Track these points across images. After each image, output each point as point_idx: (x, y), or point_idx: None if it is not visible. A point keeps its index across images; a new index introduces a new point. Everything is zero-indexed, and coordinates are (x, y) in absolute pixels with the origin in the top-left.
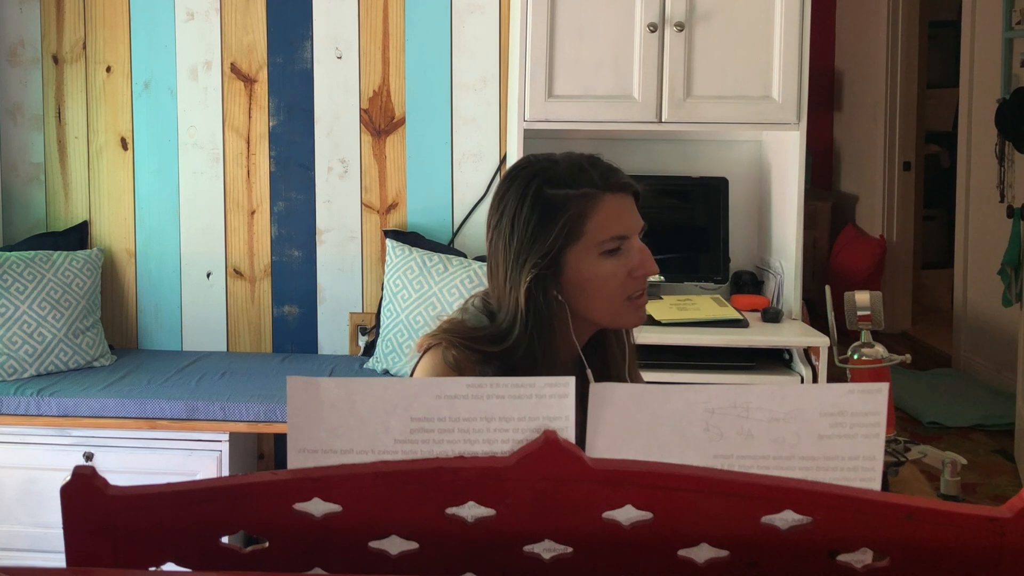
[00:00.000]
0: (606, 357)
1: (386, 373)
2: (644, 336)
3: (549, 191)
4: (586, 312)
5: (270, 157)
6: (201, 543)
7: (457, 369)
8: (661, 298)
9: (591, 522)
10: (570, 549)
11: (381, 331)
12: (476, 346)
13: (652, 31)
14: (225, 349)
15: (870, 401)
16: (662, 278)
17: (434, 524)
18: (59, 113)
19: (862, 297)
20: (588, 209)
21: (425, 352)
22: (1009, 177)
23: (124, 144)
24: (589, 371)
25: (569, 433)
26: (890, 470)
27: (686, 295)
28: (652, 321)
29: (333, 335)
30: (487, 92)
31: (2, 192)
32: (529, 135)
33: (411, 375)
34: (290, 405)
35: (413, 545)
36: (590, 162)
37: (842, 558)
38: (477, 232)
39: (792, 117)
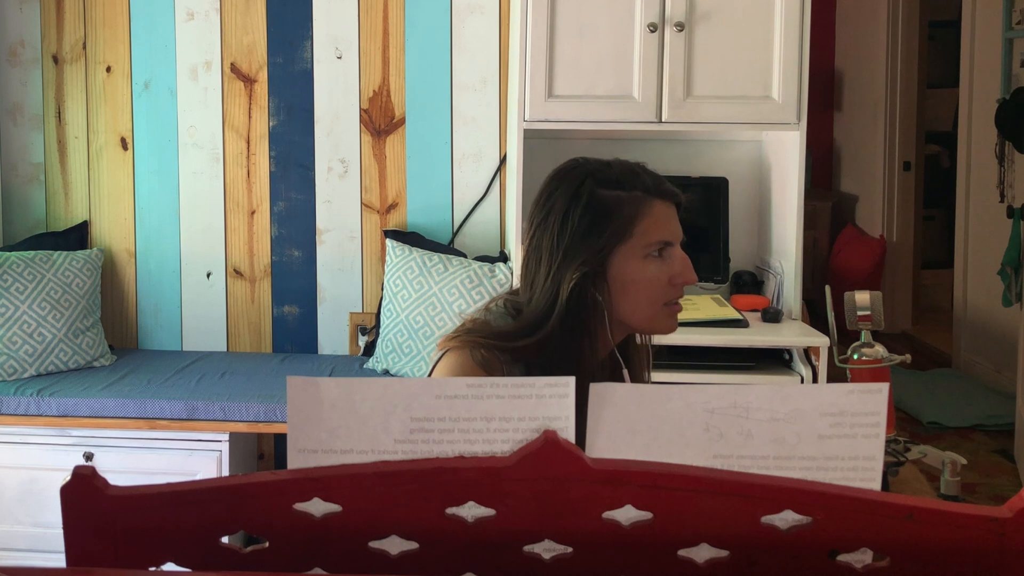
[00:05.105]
0: (630, 362)
1: (386, 373)
2: None
3: (601, 191)
4: (624, 314)
5: (270, 157)
6: (201, 543)
7: (486, 368)
8: None
9: (591, 522)
10: (570, 549)
11: (381, 331)
12: (504, 343)
13: (652, 31)
14: (225, 349)
15: (870, 401)
16: None
17: (434, 524)
18: (59, 113)
19: (862, 297)
20: (639, 212)
21: (445, 353)
22: (1009, 177)
23: (124, 144)
24: (626, 371)
25: (569, 433)
26: (890, 470)
27: (686, 295)
28: None
29: (333, 335)
30: (487, 92)
31: (2, 192)
32: (529, 135)
33: (429, 376)
34: (290, 405)
35: (413, 545)
36: (641, 167)
37: (842, 558)
38: (477, 232)
39: (792, 117)
